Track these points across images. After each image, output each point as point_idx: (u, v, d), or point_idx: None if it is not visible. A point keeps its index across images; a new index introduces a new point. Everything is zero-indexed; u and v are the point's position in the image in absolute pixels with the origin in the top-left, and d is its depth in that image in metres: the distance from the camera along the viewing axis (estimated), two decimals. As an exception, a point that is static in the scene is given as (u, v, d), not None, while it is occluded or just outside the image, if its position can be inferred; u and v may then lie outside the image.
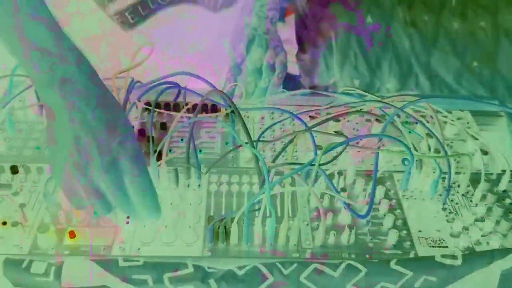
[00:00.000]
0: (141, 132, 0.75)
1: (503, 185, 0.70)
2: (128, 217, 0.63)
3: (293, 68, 1.23)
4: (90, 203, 0.56)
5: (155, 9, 0.90)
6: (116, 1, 0.87)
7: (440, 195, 0.68)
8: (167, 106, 0.80)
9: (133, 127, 0.60)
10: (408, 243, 0.62)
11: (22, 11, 0.53)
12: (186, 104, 0.76)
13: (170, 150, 0.71)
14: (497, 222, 0.65)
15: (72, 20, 0.92)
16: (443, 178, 0.68)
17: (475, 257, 0.58)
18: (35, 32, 0.54)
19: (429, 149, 0.70)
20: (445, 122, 0.79)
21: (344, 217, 0.64)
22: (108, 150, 0.53)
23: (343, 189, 0.66)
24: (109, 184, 0.54)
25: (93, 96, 0.55)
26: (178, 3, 0.90)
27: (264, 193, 0.59)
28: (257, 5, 0.91)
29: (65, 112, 0.54)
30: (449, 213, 0.67)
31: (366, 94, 0.81)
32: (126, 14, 0.88)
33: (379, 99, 0.78)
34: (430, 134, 0.71)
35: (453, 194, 0.69)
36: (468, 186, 0.70)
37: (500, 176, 0.70)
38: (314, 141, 0.66)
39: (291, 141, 0.68)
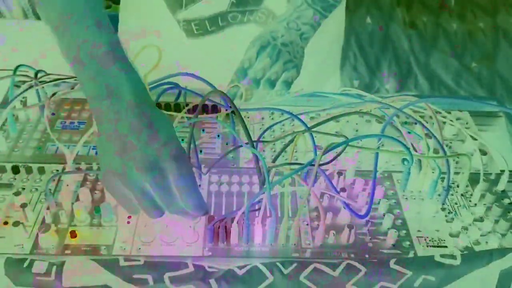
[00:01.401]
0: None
1: (502, 185, 0.70)
2: (129, 217, 0.63)
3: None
4: (141, 207, 0.56)
5: (222, 27, 0.90)
6: (188, 9, 0.87)
7: (439, 195, 0.68)
8: (167, 106, 0.80)
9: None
10: (407, 243, 0.63)
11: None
12: (187, 105, 0.77)
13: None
14: (496, 222, 0.65)
15: (140, 17, 0.93)
16: (442, 178, 0.68)
17: (474, 257, 0.58)
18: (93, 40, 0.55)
19: (428, 149, 0.71)
20: (444, 123, 0.79)
21: (344, 217, 0.65)
22: (151, 150, 0.53)
23: (343, 189, 0.67)
24: (153, 184, 0.54)
25: (139, 101, 0.55)
26: (246, 23, 0.90)
27: (264, 193, 0.60)
28: (293, 15, 0.88)
29: (111, 120, 0.54)
30: (448, 213, 0.67)
31: (366, 94, 0.81)
32: (193, 24, 0.88)
33: (378, 99, 0.78)
34: (429, 135, 0.71)
35: (452, 194, 0.69)
36: (467, 186, 0.70)
37: (499, 176, 0.71)
38: (314, 142, 0.67)
39: (291, 141, 0.69)
